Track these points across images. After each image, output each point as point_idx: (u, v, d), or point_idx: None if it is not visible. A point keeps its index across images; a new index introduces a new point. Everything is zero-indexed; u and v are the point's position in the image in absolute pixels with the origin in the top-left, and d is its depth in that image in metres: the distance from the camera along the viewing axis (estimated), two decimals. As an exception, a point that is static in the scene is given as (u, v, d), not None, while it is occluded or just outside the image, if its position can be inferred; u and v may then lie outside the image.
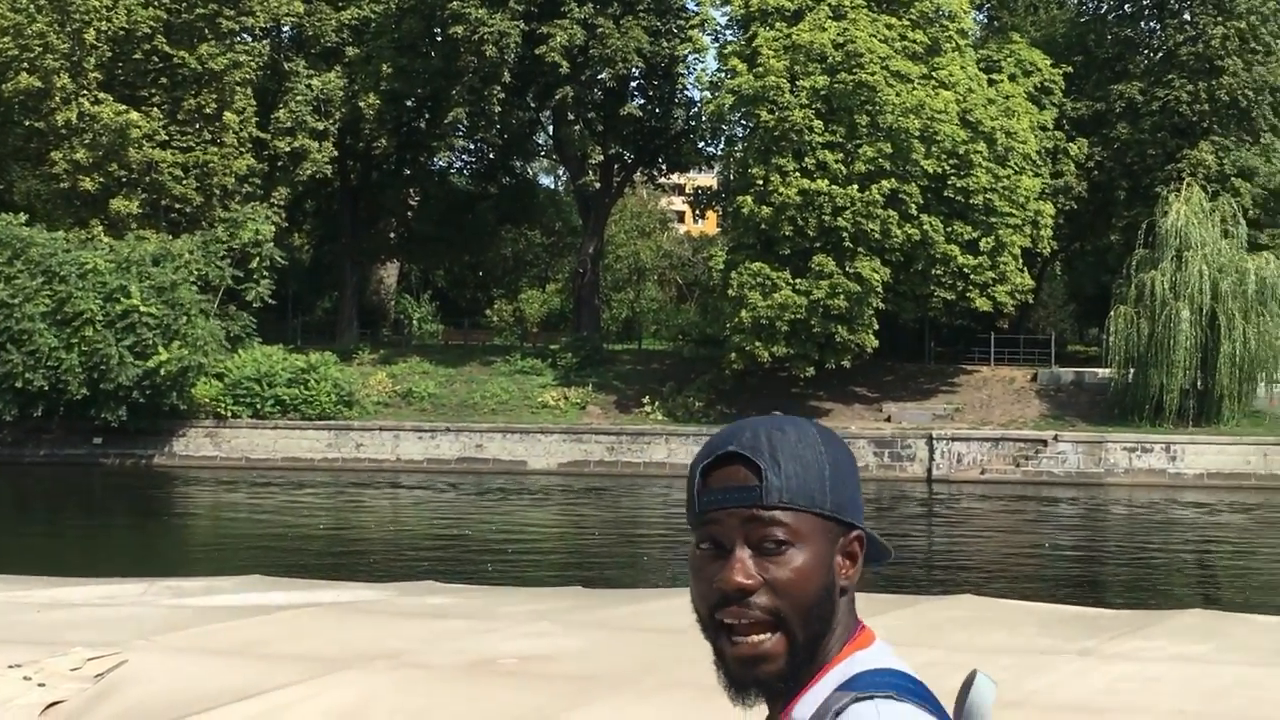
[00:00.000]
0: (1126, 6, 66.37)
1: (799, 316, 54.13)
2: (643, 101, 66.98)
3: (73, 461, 54.30)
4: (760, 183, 55.07)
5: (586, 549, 35.73)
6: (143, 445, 55.34)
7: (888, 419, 55.95)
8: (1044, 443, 52.71)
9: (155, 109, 59.58)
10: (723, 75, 59.87)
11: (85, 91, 58.29)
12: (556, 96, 63.27)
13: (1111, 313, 55.82)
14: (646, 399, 58.43)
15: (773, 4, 57.11)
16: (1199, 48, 60.71)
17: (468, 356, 64.03)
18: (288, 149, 62.11)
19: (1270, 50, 61.13)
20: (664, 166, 71.07)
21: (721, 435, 2.25)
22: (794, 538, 2.17)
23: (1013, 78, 60.05)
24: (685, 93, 67.50)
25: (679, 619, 8.60)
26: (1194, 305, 53.49)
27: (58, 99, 57.78)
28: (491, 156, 74.41)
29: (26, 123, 58.90)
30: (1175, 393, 53.43)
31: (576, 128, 66.25)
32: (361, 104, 62.90)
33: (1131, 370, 55.23)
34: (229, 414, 56.03)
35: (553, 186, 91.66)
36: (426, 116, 68.62)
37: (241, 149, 60.52)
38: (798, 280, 54.62)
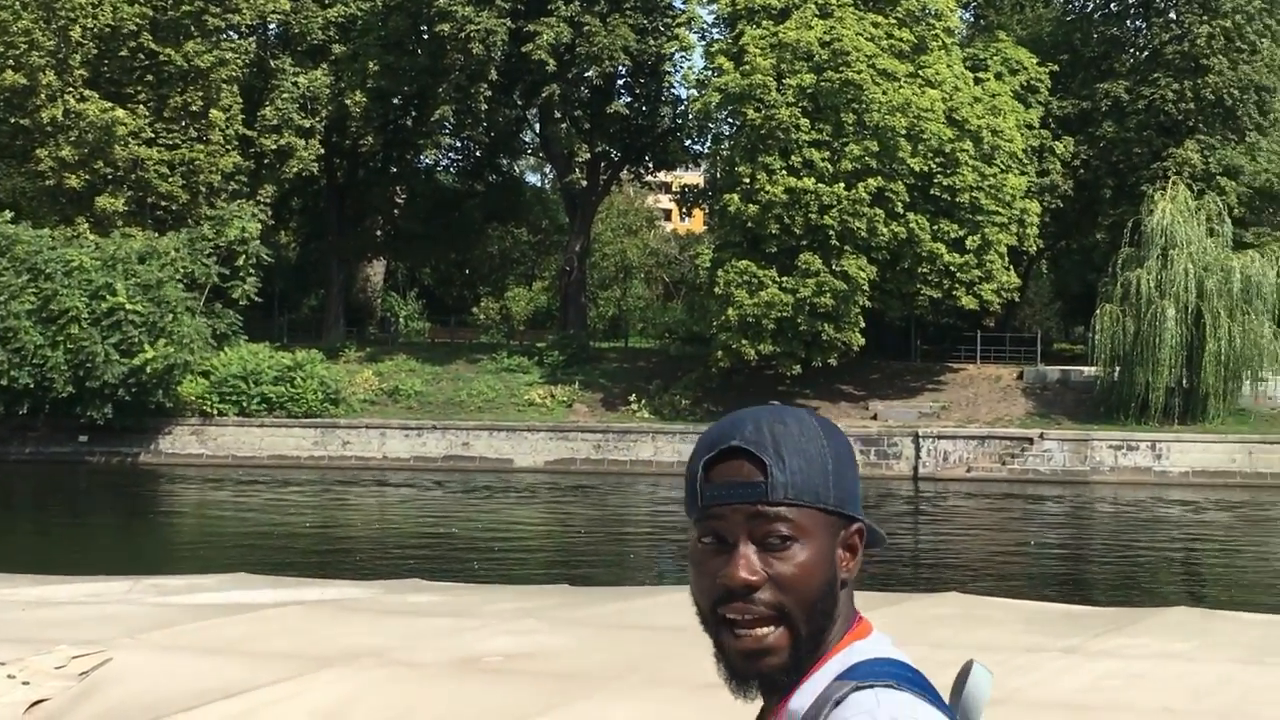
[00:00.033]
0: (1112, 5, 66.47)
1: (785, 315, 54.16)
2: (629, 99, 66.99)
3: (58, 459, 54.18)
4: (747, 181, 55.08)
5: (573, 547, 35.73)
6: (128, 443, 55.24)
7: (874, 417, 55.99)
8: (1030, 441, 52.79)
9: (141, 106, 59.43)
10: (709, 73, 59.82)
11: (71, 89, 58.15)
12: (543, 94, 63.28)
13: (1097, 311, 55.88)
14: (633, 397, 58.44)
15: (759, 2, 57.10)
16: (1185, 46, 60.81)
17: (454, 354, 64.00)
18: (274, 147, 62.01)
19: (1256, 49, 61.24)
20: (650, 164, 71.05)
21: (722, 428, 2.23)
22: (798, 533, 2.17)
23: (999, 76, 60.10)
24: (672, 91, 67.62)
25: (665, 617, 8.62)
26: (1179, 304, 53.58)
27: (43, 96, 57.64)
28: (478, 154, 74.38)
29: (11, 120, 58.78)
30: (1161, 391, 53.52)
31: (563, 125, 66.27)
32: (348, 102, 62.82)
33: (1117, 368, 55.32)
34: (215, 412, 55.94)
35: (539, 184, 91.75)
36: (413, 114, 68.62)
37: (228, 146, 60.40)
38: (784, 278, 54.64)
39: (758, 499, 2.16)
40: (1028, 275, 69.67)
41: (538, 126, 71.21)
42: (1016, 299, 64.78)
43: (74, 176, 57.90)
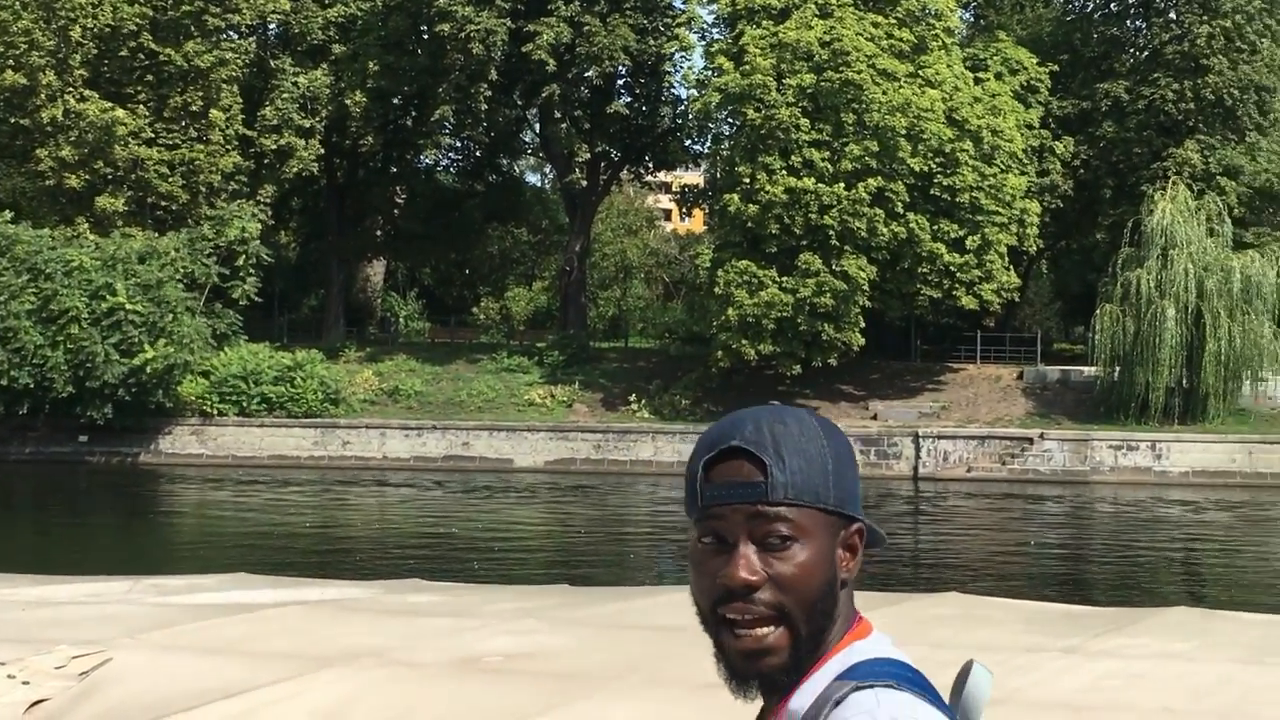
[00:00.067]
0: (1112, 5, 66.47)
1: (785, 315, 54.16)
2: (629, 99, 66.98)
3: (58, 459, 54.19)
4: (747, 181, 55.09)
5: (573, 547, 35.73)
6: (128, 443, 55.24)
7: (874, 417, 55.98)
8: (1030, 441, 52.79)
9: (141, 106, 59.43)
10: (709, 73, 59.81)
11: (71, 89, 58.14)
12: (543, 94, 63.28)
13: (1097, 311, 55.87)
14: (633, 397, 58.44)
15: (759, 2, 57.10)
16: (1185, 46, 60.81)
17: (454, 354, 64.00)
18: (274, 147, 62.01)
19: (1256, 49, 61.23)
20: (650, 164, 71.05)
21: (722, 427, 2.23)
22: (798, 533, 2.17)
23: (999, 76, 60.08)
24: (672, 91, 67.62)
25: (665, 617, 8.61)
26: (1179, 304, 53.58)
27: (43, 96, 57.65)
28: (478, 154, 74.38)
29: (12, 120, 58.77)
30: (1161, 391, 53.51)
31: (563, 126, 66.26)
32: (348, 102, 62.81)
33: (1117, 368, 55.31)
34: (215, 412, 55.94)
35: (539, 184, 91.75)
36: (413, 114, 68.62)
37: (228, 146, 60.40)
38: (784, 278, 54.64)
39: (758, 499, 2.16)
40: (1028, 275, 69.67)
41: (538, 126, 71.21)
42: (1016, 299, 64.80)
43: (74, 176, 57.90)
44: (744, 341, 54.60)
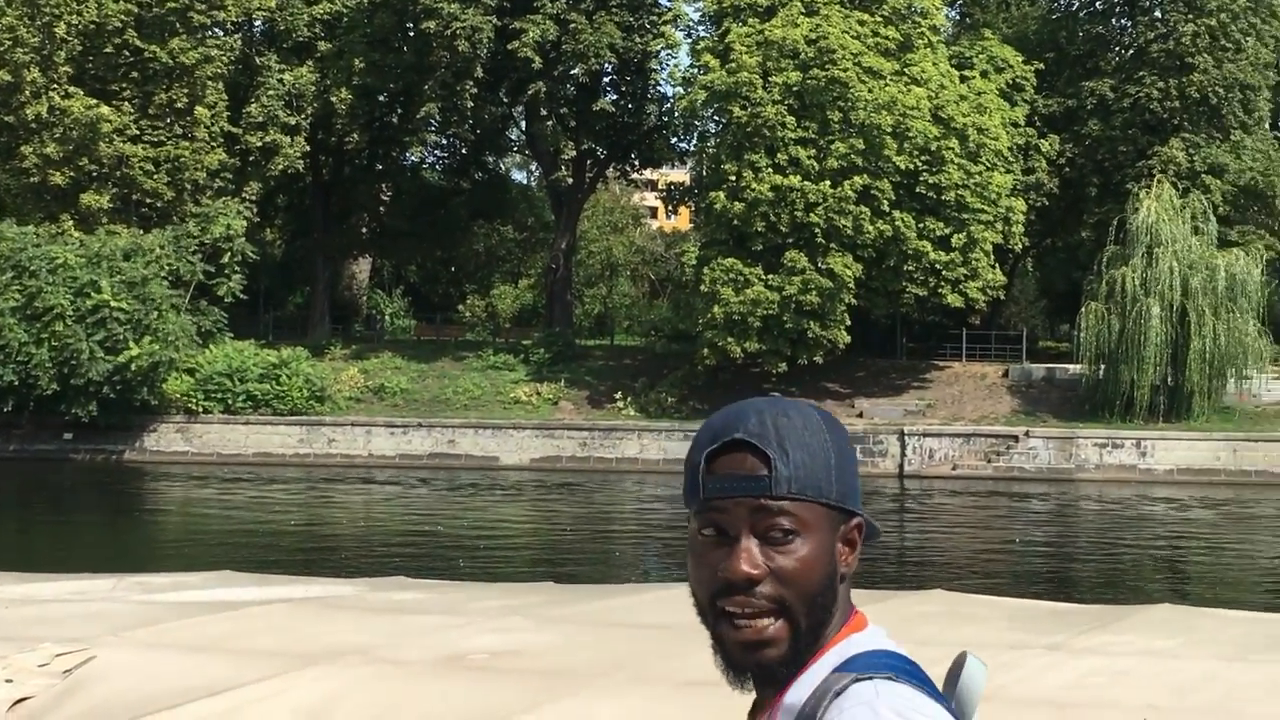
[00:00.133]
0: (1098, 3, 66.57)
1: (771, 312, 54.20)
2: (615, 97, 66.92)
3: (43, 457, 54.09)
4: (733, 178, 55.12)
5: (558, 545, 35.72)
6: (113, 441, 55.16)
7: (860, 415, 56.01)
8: (1015, 438, 52.87)
9: (126, 103, 59.34)
10: (695, 71, 59.84)
11: (55, 85, 58.02)
12: (529, 92, 63.23)
13: (1083, 309, 55.97)
14: (619, 395, 58.44)
15: (745, 0, 57.13)
16: (1170, 45, 60.93)
17: (440, 352, 63.96)
18: (259, 144, 61.93)
19: (1240, 47, 61.34)
20: (636, 162, 71.06)
21: (725, 419, 2.22)
22: (800, 527, 2.16)
23: (985, 74, 60.12)
24: (658, 88, 67.63)
25: (650, 615, 8.62)
26: (1164, 302, 53.69)
27: (28, 93, 57.52)
28: (464, 152, 74.35)
29: (-4, 117, 58.73)
30: (1146, 389, 53.62)
31: (549, 123, 66.28)
32: (333, 99, 62.74)
33: (1102, 366, 55.40)
34: (200, 409, 55.87)
35: (525, 182, 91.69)
36: (399, 111, 68.58)
37: (213, 144, 60.32)
38: (770, 276, 54.67)
39: (761, 493, 2.15)
40: (1013, 273, 69.76)
41: (523, 124, 71.17)
42: (1002, 297, 64.92)
43: (59, 173, 57.79)
44: (730, 339, 54.63)
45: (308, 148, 64.24)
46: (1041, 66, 62.27)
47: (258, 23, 66.61)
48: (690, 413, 55.81)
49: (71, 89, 58.02)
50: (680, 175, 76.19)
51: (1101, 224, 59.26)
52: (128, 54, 59.85)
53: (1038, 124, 62.26)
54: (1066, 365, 58.75)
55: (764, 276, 54.66)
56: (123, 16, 58.73)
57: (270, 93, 62.13)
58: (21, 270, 53.42)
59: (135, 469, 53.05)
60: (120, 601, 9.39)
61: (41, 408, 53.66)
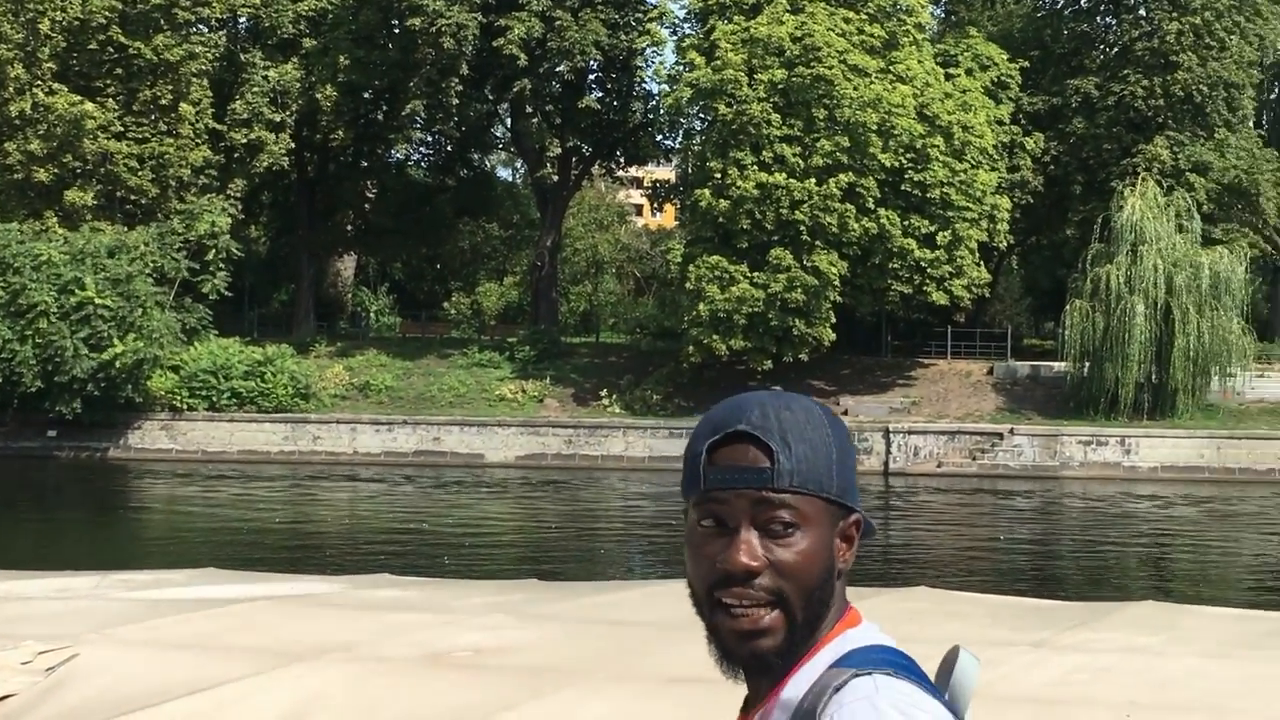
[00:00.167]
0: (1082, 2, 66.65)
1: (756, 310, 54.24)
2: (601, 94, 66.91)
3: (27, 454, 53.96)
4: (718, 176, 55.14)
5: (543, 542, 35.72)
6: (98, 438, 55.05)
7: (844, 412, 55.97)
8: (1000, 436, 52.95)
9: (110, 100, 59.22)
10: (681, 68, 59.85)
11: (39, 82, 57.87)
12: (514, 89, 63.16)
13: (1067, 306, 56.09)
14: (604, 392, 58.45)
15: (731, -3, 57.23)
16: (1154, 43, 61.06)
17: (425, 349, 63.91)
18: (244, 141, 61.83)
19: (1224, 46, 61.46)
20: (622, 159, 71.07)
21: (726, 411, 2.22)
22: (800, 521, 2.16)
23: (970, 72, 60.20)
24: (643, 86, 67.58)
25: (635, 612, 8.62)
26: (1148, 299, 53.81)
27: (11, 90, 57.36)
28: (449, 149, 74.27)
29: (-21, 113, 58.56)
30: (1130, 386, 53.73)
31: (534, 120, 66.22)
32: (318, 96, 62.63)
33: (1087, 364, 55.50)
34: (185, 407, 55.79)
35: (510, 179, 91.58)
36: (384, 108, 68.48)
37: (197, 140, 60.22)
38: (755, 274, 54.70)
39: (763, 485, 2.15)
40: (998, 271, 69.86)
41: (509, 121, 71.11)
42: (987, 295, 65.03)
43: (42, 170, 57.66)
44: (715, 337, 54.67)
45: (292, 145, 64.13)
46: (1026, 64, 62.33)
47: (242, 19, 66.48)
48: (675, 410, 55.85)
49: (56, 85, 57.89)
50: (665, 173, 76.24)
51: (1086, 222, 59.37)
52: (112, 50, 59.73)
53: (1023, 122, 62.34)
54: (1051, 363, 58.85)
55: (749, 274, 54.69)
56: (107, 13, 58.60)
57: (255, 89, 62.02)
58: (5, 267, 53.29)
59: (119, 466, 52.95)
60: (103, 599, 9.38)
61: (25, 405, 53.54)
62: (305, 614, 8.56)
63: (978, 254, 57.53)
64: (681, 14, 63.54)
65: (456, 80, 61.15)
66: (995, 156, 58.86)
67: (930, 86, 57.02)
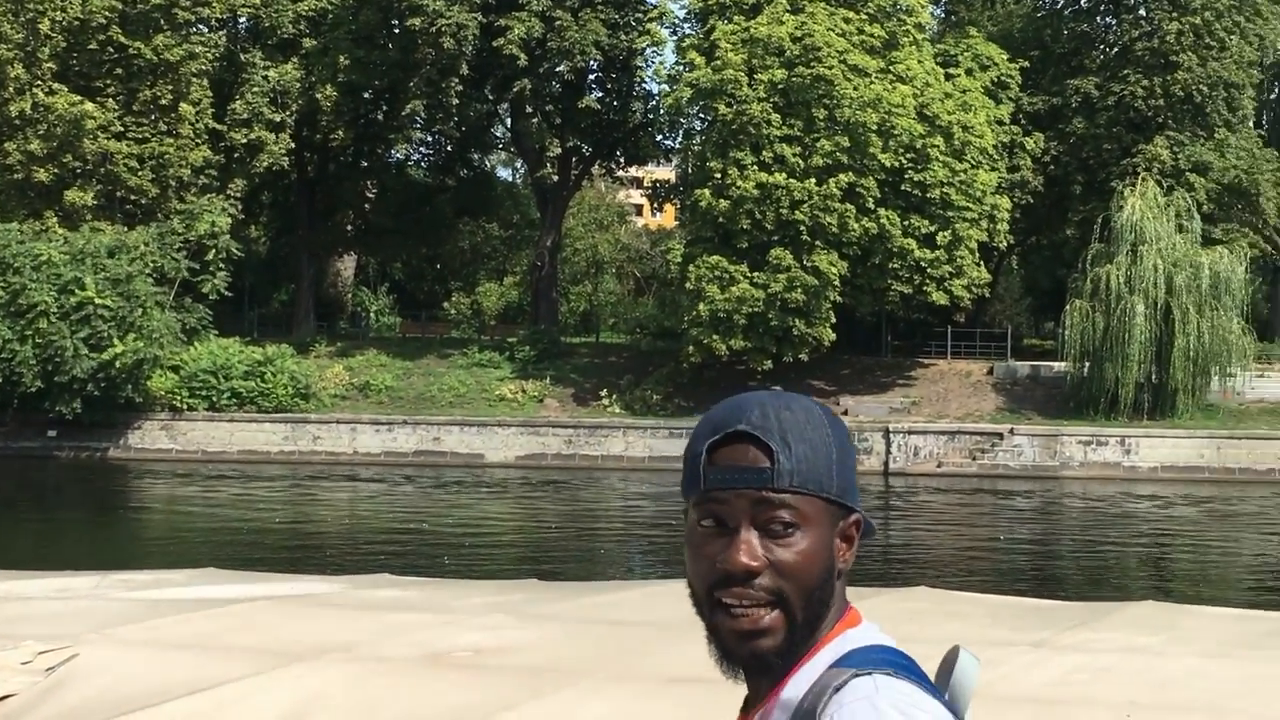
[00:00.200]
0: (1082, 2, 66.63)
1: (756, 310, 54.23)
2: (601, 94, 66.90)
3: (27, 454, 53.94)
4: (718, 176, 55.13)
5: (543, 542, 35.71)
6: (98, 438, 55.04)
7: (844, 412, 55.95)
8: (1000, 436, 52.94)
9: (110, 100, 59.21)
10: (681, 68, 59.84)
11: (39, 82, 57.85)
12: (514, 89, 63.14)
13: (1067, 307, 56.08)
14: (604, 392, 58.44)
15: (731, -3, 57.23)
16: (1154, 43, 61.05)
17: (425, 349, 63.90)
18: (244, 141, 61.81)
19: (1224, 46, 61.46)
20: (622, 159, 71.06)
21: (727, 410, 2.22)
22: (801, 521, 2.16)
23: (970, 72, 60.19)
24: (643, 86, 67.57)
25: (635, 612, 8.62)
26: (1148, 299, 53.80)
27: (11, 89, 57.35)
28: (449, 149, 74.25)
29: (-21, 113, 58.56)
30: (1130, 386, 53.72)
31: (534, 120, 66.20)
32: (318, 96, 62.61)
33: (1087, 364, 55.49)
34: (185, 407, 55.78)
35: (510, 179, 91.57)
36: (384, 108, 68.46)
37: (197, 140, 60.21)
38: (755, 274, 54.69)
39: (764, 485, 2.15)
40: (998, 271, 69.85)
41: (509, 121, 71.09)
42: (987, 295, 65.01)
43: (43, 170, 57.64)
44: (715, 337, 54.66)
45: (292, 145, 64.12)
46: (1026, 64, 62.32)
47: (242, 19, 66.46)
48: (675, 410, 55.84)
49: (56, 85, 57.88)
50: (665, 173, 76.23)
51: (1086, 222, 59.36)
52: (112, 50, 59.72)
53: (1023, 122, 62.33)
54: (1051, 363, 58.84)
55: (749, 274, 54.68)
56: (107, 13, 58.59)
57: (255, 89, 62.01)
58: (5, 267, 53.28)
59: (119, 466, 52.94)
60: (103, 599, 9.37)
61: (25, 405, 53.53)
62: (305, 614, 8.56)
63: (978, 254, 57.52)
64: (681, 14, 63.62)
65: (456, 80, 61.14)
66: (995, 156, 58.85)
67: (930, 86, 57.02)
